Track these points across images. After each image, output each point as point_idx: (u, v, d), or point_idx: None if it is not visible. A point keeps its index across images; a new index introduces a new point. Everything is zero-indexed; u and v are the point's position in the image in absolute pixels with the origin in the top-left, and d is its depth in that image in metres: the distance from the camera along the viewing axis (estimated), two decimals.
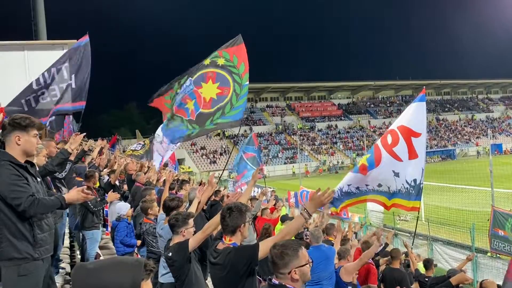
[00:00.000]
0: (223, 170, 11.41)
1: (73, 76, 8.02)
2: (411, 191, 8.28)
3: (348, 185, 8.67)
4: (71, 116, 9.89)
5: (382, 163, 8.45)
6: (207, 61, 8.28)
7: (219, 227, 3.46)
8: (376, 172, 8.45)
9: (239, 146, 56.58)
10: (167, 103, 8.72)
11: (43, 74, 8.19)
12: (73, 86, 8.01)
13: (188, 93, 8.13)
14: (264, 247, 2.99)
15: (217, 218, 3.70)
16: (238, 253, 3.08)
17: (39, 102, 8.20)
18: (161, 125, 9.15)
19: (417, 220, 9.51)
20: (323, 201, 2.99)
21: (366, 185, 8.58)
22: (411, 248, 9.04)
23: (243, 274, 3.03)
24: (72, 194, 3.22)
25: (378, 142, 8.74)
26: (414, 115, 8.56)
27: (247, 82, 8.14)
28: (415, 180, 8.31)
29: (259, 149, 21.47)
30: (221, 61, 8.21)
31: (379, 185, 8.49)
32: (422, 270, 7.84)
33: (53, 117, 8.40)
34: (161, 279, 4.52)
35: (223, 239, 3.26)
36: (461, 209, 19.72)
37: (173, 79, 8.69)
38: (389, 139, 8.51)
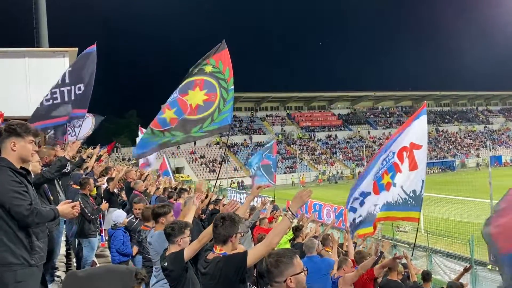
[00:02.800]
0: (217, 179, 11.45)
1: (81, 85, 8.02)
2: (409, 202, 8.35)
3: (375, 205, 8.77)
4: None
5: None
6: (195, 70, 8.22)
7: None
8: (396, 188, 8.60)
9: (239, 155, 56.37)
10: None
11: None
12: (79, 93, 8.01)
13: (170, 102, 8.04)
14: (253, 254, 3.00)
15: (211, 227, 3.69)
16: (227, 261, 3.08)
17: (43, 104, 8.20)
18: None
19: (417, 231, 9.50)
20: (303, 198, 3.04)
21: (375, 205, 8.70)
22: (410, 260, 9.01)
23: (233, 282, 3.03)
24: (64, 208, 3.30)
25: (397, 160, 8.77)
26: (416, 128, 8.69)
27: (233, 87, 8.15)
28: (414, 191, 8.39)
29: (276, 158, 21.47)
30: (208, 68, 8.20)
31: (377, 204, 8.61)
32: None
33: (55, 126, 8.41)
34: None
35: (214, 249, 3.27)
36: (461, 220, 19.65)
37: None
38: (404, 155, 8.68)
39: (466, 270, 8.44)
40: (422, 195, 8.39)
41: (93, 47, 8.38)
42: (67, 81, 8.10)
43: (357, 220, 8.98)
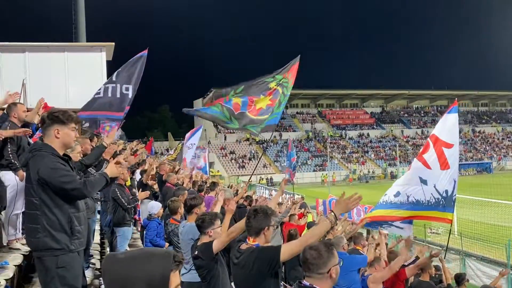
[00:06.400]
0: (251, 175, 11.54)
1: (130, 87, 8.09)
2: (441, 202, 8.13)
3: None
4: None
5: (411, 169, 8.49)
6: (272, 84, 8.70)
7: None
8: (404, 177, 8.43)
9: (268, 152, 56.61)
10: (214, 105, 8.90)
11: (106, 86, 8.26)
12: (130, 96, 8.08)
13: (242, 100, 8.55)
14: (287, 250, 3.00)
15: (242, 222, 3.70)
16: (261, 252, 3.10)
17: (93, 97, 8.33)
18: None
19: (450, 233, 9.24)
20: (349, 205, 3.01)
21: (385, 194, 8.54)
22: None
23: (266, 274, 3.04)
24: (111, 168, 3.32)
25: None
26: (446, 126, 8.47)
27: (289, 93, 8.64)
28: (446, 191, 8.16)
29: (290, 155, 22.89)
30: (280, 78, 8.75)
31: (397, 194, 8.39)
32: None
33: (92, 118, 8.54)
34: (182, 278, 4.57)
35: (247, 240, 3.28)
36: (497, 224, 19.00)
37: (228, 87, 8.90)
38: (421, 147, 8.52)
39: (502, 274, 8.19)
40: (454, 195, 8.16)
41: (145, 52, 8.38)
42: (113, 79, 8.18)
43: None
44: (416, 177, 8.29)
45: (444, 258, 10.29)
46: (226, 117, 8.03)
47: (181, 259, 1.50)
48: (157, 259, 1.45)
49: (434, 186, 8.20)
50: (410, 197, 8.31)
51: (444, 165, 8.17)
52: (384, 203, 8.55)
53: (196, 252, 3.83)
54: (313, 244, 2.69)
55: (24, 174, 3.43)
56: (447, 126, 8.43)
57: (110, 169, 3.32)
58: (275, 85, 8.56)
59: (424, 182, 8.22)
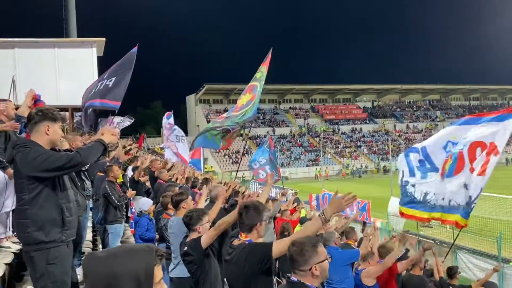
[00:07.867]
0: (237, 171, 11.70)
1: (113, 78, 8.05)
2: (462, 206, 7.94)
3: (435, 194, 8.24)
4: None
5: (460, 173, 8.09)
6: (252, 82, 9.39)
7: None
8: (451, 181, 8.13)
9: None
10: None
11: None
12: (109, 85, 8.04)
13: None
14: (279, 246, 3.00)
15: (231, 215, 3.69)
16: (253, 249, 3.10)
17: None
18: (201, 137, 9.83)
19: (458, 235, 9.20)
20: (342, 205, 2.90)
21: (435, 194, 8.24)
22: (443, 261, 8.77)
23: (258, 270, 3.04)
24: (107, 134, 3.28)
25: (465, 151, 8.10)
26: (505, 134, 7.89)
27: (263, 82, 9.20)
28: (470, 197, 7.92)
29: (274, 152, 22.11)
30: (258, 75, 9.33)
31: (443, 199, 8.18)
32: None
33: (83, 114, 8.53)
34: (171, 274, 4.60)
35: (239, 236, 3.28)
36: (488, 217, 19.16)
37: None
38: (478, 152, 7.98)
39: (495, 270, 8.27)
40: (474, 203, 7.88)
41: (135, 49, 8.36)
42: (105, 75, 8.19)
43: (409, 189, 8.48)
44: (461, 183, 8.03)
45: (446, 256, 10.38)
46: (212, 133, 8.72)
47: (163, 253, 1.50)
48: (140, 255, 1.44)
49: (469, 194, 7.94)
50: (452, 201, 8.11)
51: (483, 172, 7.81)
52: (445, 207, 8.22)
53: (186, 249, 3.81)
54: (298, 241, 2.67)
55: (12, 171, 3.39)
56: (506, 134, 7.89)
57: (107, 136, 3.27)
58: (253, 81, 9.19)
59: (466, 187, 7.99)
